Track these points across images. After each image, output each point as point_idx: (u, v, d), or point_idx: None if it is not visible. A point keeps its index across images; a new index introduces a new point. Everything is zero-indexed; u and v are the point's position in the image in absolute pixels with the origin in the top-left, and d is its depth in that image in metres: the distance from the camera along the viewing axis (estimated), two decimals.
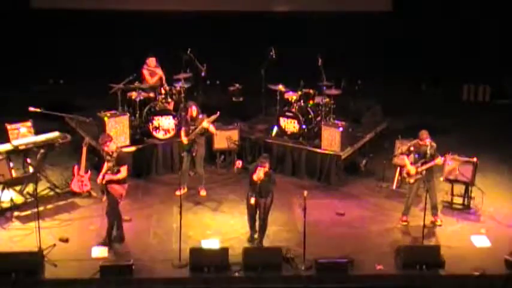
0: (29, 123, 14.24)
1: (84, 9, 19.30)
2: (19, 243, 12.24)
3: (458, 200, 13.72)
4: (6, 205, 13.27)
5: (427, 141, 12.80)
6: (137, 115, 15.21)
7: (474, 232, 12.88)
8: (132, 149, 14.71)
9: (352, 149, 15.10)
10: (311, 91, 15.54)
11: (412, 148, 12.94)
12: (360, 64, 18.74)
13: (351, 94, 16.63)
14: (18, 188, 13.61)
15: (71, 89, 18.65)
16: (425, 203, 12.27)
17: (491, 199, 13.80)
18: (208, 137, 14.53)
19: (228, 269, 11.69)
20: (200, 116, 13.84)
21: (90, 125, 15.08)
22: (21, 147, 13.70)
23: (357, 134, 15.61)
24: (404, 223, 13.08)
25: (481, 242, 12.61)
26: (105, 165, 12.12)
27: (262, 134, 15.59)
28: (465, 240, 12.67)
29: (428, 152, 12.78)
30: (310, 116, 15.33)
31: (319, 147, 14.85)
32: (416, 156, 12.89)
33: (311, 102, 15.51)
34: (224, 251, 11.82)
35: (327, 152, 14.72)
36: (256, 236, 12.42)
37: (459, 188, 13.71)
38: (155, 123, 14.95)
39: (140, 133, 15.14)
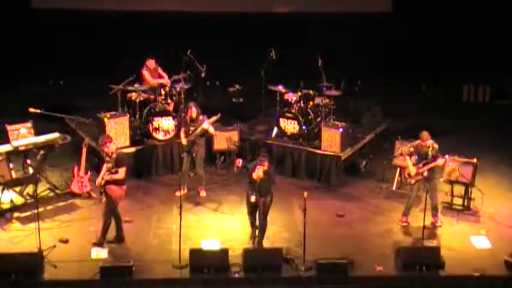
0: (29, 124, 14.20)
1: (84, 9, 19.32)
2: (19, 244, 12.23)
3: (458, 201, 13.69)
4: (6, 206, 13.25)
5: (427, 143, 12.79)
6: (137, 116, 15.19)
7: (474, 233, 12.86)
8: (132, 149, 14.70)
9: (352, 150, 15.08)
10: (311, 92, 15.54)
11: (412, 149, 12.93)
12: (360, 65, 18.74)
13: (351, 95, 16.62)
14: (18, 189, 13.59)
15: (70, 89, 18.65)
16: (426, 204, 12.27)
17: (491, 200, 13.78)
18: (208, 138, 14.53)
19: (228, 270, 11.67)
20: (200, 117, 13.84)
21: (90, 125, 15.09)
22: (21, 148, 13.70)
23: (356, 134, 15.60)
24: (404, 224, 13.08)
25: (481, 243, 12.59)
26: (105, 166, 12.13)
27: (262, 135, 15.58)
28: (465, 241, 12.65)
29: (429, 153, 12.76)
30: (310, 117, 15.32)
31: (319, 148, 14.84)
32: (417, 157, 12.89)
33: (311, 103, 15.51)
34: (224, 252, 11.81)
35: (327, 152, 14.72)
36: (257, 233, 12.35)
37: (459, 189, 13.68)
38: (155, 124, 14.94)
39: (140, 134, 15.13)
